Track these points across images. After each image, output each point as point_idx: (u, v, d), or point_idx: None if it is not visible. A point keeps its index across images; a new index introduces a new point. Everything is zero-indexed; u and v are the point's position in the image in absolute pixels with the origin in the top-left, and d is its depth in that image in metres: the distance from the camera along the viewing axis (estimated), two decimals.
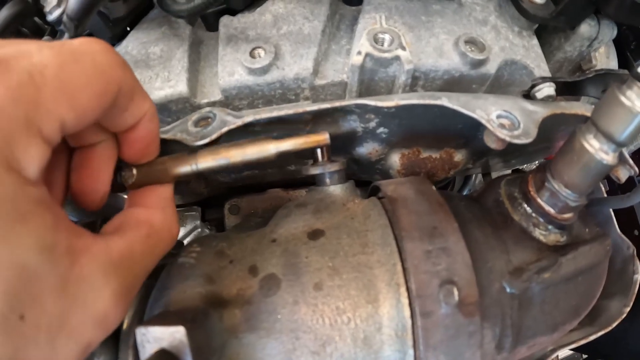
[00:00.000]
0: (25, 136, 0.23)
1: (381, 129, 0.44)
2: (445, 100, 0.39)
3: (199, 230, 0.58)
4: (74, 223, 0.27)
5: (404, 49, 0.42)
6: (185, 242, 0.60)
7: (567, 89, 0.48)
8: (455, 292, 0.34)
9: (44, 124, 0.24)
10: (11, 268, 0.22)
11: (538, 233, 0.41)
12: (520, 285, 0.38)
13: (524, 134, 0.38)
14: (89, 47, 0.27)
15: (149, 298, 0.38)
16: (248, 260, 0.38)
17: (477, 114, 0.38)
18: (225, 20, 0.45)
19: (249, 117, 0.38)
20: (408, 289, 0.35)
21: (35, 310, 0.23)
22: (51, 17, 0.47)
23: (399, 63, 0.42)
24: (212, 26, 0.48)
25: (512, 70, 0.48)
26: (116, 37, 0.48)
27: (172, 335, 0.30)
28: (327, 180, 0.43)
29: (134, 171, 0.38)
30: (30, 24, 0.52)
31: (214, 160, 0.37)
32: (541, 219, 0.41)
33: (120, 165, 0.39)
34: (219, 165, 0.37)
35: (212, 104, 0.45)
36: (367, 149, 0.46)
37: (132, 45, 0.48)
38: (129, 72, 0.30)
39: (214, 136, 0.38)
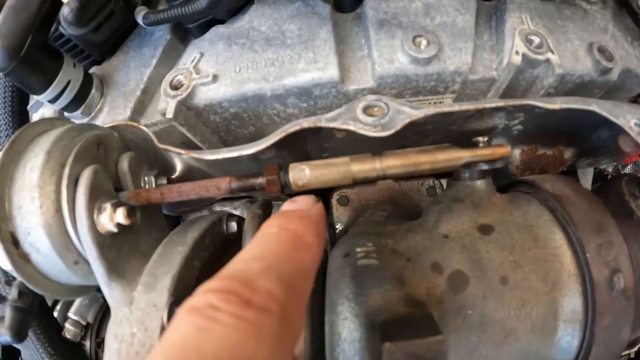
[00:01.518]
0: None
1: (518, 127, 0.51)
2: (596, 107, 0.47)
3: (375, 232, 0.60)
4: None
5: (552, 52, 0.49)
6: None
7: None
8: (622, 280, 0.44)
9: None
10: None
11: None
12: None
13: None
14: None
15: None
16: (426, 257, 0.43)
17: (620, 121, 0.48)
18: (371, 2, 0.48)
19: (429, 109, 0.43)
20: (582, 278, 0.44)
21: None
22: None
23: (546, 65, 0.49)
24: (345, 7, 0.50)
25: (625, 78, 0.56)
26: (236, 11, 0.48)
27: (429, 347, 0.31)
28: (467, 175, 0.50)
29: (307, 172, 0.40)
30: None
31: (403, 166, 0.40)
32: None
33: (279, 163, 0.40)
34: (405, 172, 0.41)
35: (361, 91, 0.47)
36: (494, 143, 0.54)
37: (259, 20, 0.48)
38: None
39: (399, 127, 0.41)
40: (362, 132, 0.40)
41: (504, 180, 0.58)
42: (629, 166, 0.93)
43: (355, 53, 0.48)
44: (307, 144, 0.47)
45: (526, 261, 0.43)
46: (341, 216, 0.55)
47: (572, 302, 0.42)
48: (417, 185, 0.57)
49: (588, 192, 0.47)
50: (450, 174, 0.48)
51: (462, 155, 0.41)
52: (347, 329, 0.38)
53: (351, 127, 0.41)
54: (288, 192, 0.41)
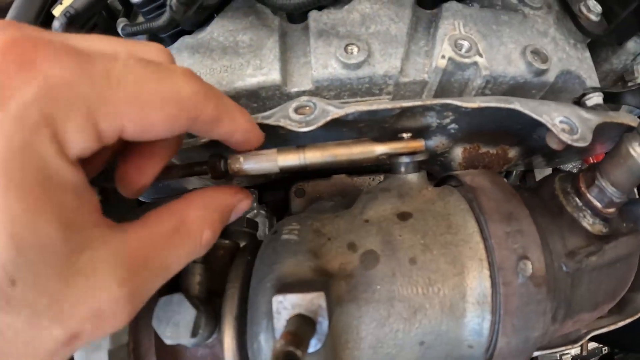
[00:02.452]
0: (81, 119, 0.24)
1: (452, 125, 0.52)
2: (518, 105, 0.48)
3: (255, 211, 0.64)
4: (99, 212, 0.27)
5: (481, 55, 0.50)
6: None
7: (611, 99, 0.59)
8: (529, 266, 0.44)
9: (102, 121, 0.25)
10: (18, 226, 0.21)
11: (586, 223, 0.51)
12: (573, 266, 0.49)
13: (582, 139, 0.48)
14: (174, 71, 0.29)
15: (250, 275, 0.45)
16: (345, 238, 0.46)
17: (544, 119, 0.48)
18: (314, 15, 0.52)
19: (350, 108, 0.46)
20: (490, 263, 0.44)
21: (28, 280, 0.22)
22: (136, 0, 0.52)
23: (475, 68, 0.51)
24: (295, 19, 0.55)
25: (566, 79, 0.57)
26: (202, 23, 0.54)
27: (311, 301, 0.35)
28: (403, 169, 0.52)
29: (241, 159, 0.45)
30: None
31: (322, 157, 0.44)
32: (589, 212, 0.51)
33: (221, 153, 0.45)
34: (325, 162, 0.44)
35: (302, 93, 0.51)
36: (434, 142, 0.55)
37: (218, 32, 0.53)
38: (215, 100, 0.31)
39: (320, 123, 0.45)
40: (289, 127, 0.44)
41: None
42: None
43: (300, 59, 0.52)
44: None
45: (436, 245, 0.44)
46: (297, 206, 0.58)
47: (480, 285, 0.43)
48: (368, 180, 0.59)
49: (506, 186, 0.47)
50: None
51: (376, 148, 0.44)
52: (261, 289, 0.42)
53: (280, 123, 0.45)
54: (228, 177, 0.45)
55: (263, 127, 0.45)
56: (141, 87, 0.27)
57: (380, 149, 0.44)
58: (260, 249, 0.47)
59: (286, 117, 0.46)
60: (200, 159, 0.44)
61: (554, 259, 0.48)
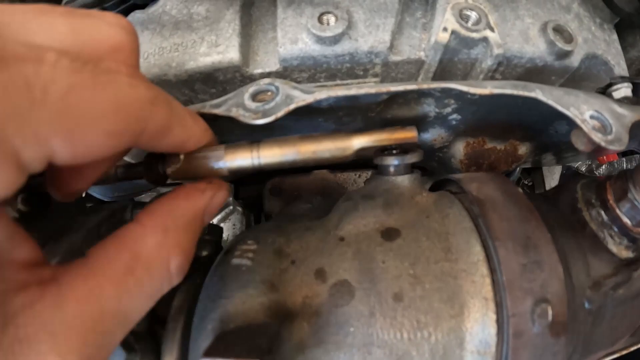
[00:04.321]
0: None
1: (454, 116, 0.34)
2: (540, 94, 0.30)
3: (231, 207, 0.49)
4: (27, 265, 0.19)
5: (492, 30, 0.32)
6: (216, 222, 0.51)
7: (636, 91, 0.40)
8: (550, 312, 0.27)
9: (25, 149, 0.17)
10: None
11: (612, 244, 0.34)
12: (597, 301, 0.32)
13: (617, 140, 0.30)
14: (117, 73, 0.20)
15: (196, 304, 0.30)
16: (313, 261, 0.30)
17: (572, 112, 0.30)
18: None
19: (321, 93, 0.28)
20: (498, 304, 0.28)
21: None
22: None
23: (485, 45, 0.32)
24: None
25: (590, 65, 0.39)
26: None
27: None
28: (392, 170, 0.34)
29: (181, 157, 0.29)
30: None
31: (281, 154, 0.28)
32: (616, 230, 0.34)
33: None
34: (285, 161, 0.28)
35: (267, 75, 0.34)
36: (432, 135, 0.37)
37: (172, 3, 0.36)
38: (164, 107, 0.22)
39: (280, 113, 0.28)
40: (241, 119, 0.27)
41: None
42: (603, 166, 0.68)
43: (267, 34, 0.34)
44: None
45: (430, 276, 0.28)
46: (273, 206, 0.42)
47: (483, 331, 0.27)
48: (354, 177, 0.42)
49: (523, 198, 0.30)
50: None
51: (353, 142, 0.27)
52: (202, 331, 0.27)
53: (231, 114, 0.28)
54: (163, 181, 0.29)
55: (217, 117, 0.28)
56: (73, 98, 0.18)
57: (358, 141, 0.27)
58: (209, 273, 0.31)
59: (240, 105, 0.29)
60: None
61: (576, 295, 0.31)
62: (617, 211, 0.33)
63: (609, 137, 0.30)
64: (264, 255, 0.30)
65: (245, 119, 0.28)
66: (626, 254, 0.33)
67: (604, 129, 0.30)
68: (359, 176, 0.43)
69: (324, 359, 0.27)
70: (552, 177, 0.53)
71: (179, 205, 0.24)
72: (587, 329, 0.32)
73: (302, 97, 0.28)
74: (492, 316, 0.27)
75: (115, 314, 0.20)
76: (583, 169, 0.65)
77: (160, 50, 0.35)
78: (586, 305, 0.31)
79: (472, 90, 0.29)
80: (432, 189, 0.37)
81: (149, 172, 0.30)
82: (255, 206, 0.47)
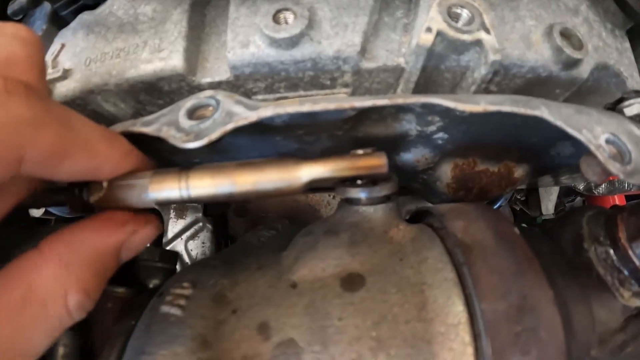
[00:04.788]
0: None
1: (440, 135, 0.28)
2: (546, 112, 0.23)
3: (200, 224, 0.43)
4: None
5: (487, 31, 0.25)
6: (184, 239, 0.45)
7: None
8: None
9: None
10: None
11: (622, 291, 0.27)
12: None
13: (637, 172, 0.22)
14: None
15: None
16: (258, 312, 0.23)
17: (584, 136, 0.22)
18: None
19: (267, 110, 0.22)
20: None
21: None
22: None
23: (478, 50, 0.25)
24: None
25: (600, 76, 0.31)
26: None
27: None
28: (363, 199, 0.28)
29: (104, 185, 0.23)
30: None
31: (214, 186, 0.21)
32: (627, 274, 0.26)
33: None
34: (219, 194, 0.21)
35: (217, 84, 0.28)
36: (414, 156, 0.30)
37: (119, 3, 0.30)
38: (52, 130, 0.18)
39: (213, 136, 0.21)
40: (171, 141, 0.21)
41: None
42: (603, 185, 0.59)
43: (221, 37, 0.28)
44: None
45: (397, 340, 0.21)
46: (237, 228, 0.35)
47: None
48: (327, 198, 0.36)
49: (519, 241, 0.23)
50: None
51: (302, 172, 0.20)
52: None
53: (161, 134, 0.22)
54: (88, 209, 0.23)
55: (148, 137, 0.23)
56: None
57: (309, 171, 0.21)
58: (140, 318, 0.25)
59: (173, 123, 0.23)
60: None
61: (577, 357, 0.23)
62: (630, 252, 0.25)
63: (629, 168, 0.22)
64: (199, 302, 0.24)
65: (175, 141, 0.22)
66: (636, 302, 0.26)
67: (621, 156, 0.23)
68: (333, 197, 0.36)
69: None
70: (549, 197, 0.45)
71: (85, 237, 0.21)
72: None
73: (244, 114, 0.22)
74: None
75: (9, 350, 0.18)
76: (581, 187, 0.56)
77: (102, 57, 0.29)
78: None
79: (461, 106, 0.22)
80: (412, 219, 0.31)
81: (70, 199, 0.24)
82: (225, 224, 0.41)
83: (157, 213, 0.40)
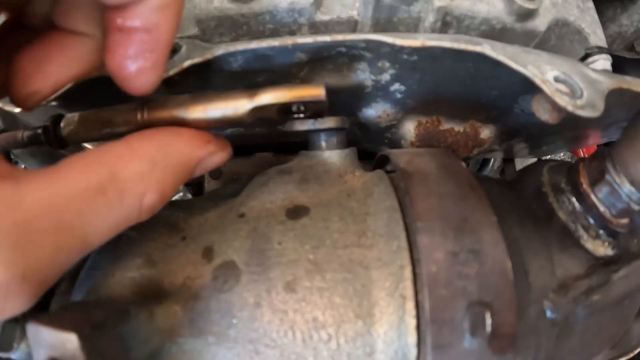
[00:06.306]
0: None
1: (396, 86, 0.27)
2: (488, 48, 0.21)
3: (181, 193, 0.43)
4: None
5: None
6: None
7: (618, 67, 0.30)
8: (488, 320, 0.18)
9: None
10: None
11: (586, 239, 0.24)
12: (564, 309, 0.22)
13: (589, 105, 0.21)
14: None
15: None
16: (205, 239, 0.23)
17: (529, 71, 0.21)
18: None
19: (219, 49, 0.22)
20: (418, 306, 0.19)
21: None
22: None
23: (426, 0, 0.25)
24: None
25: (562, 34, 0.30)
26: None
27: (63, 344, 0.15)
28: (323, 144, 0.27)
29: (76, 118, 0.23)
30: None
31: (169, 114, 0.21)
32: (592, 221, 0.24)
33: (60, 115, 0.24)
34: (173, 122, 0.21)
35: (186, 39, 0.28)
36: (376, 111, 0.29)
37: None
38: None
39: (171, 72, 0.22)
40: None
41: None
42: None
43: None
44: None
45: (334, 264, 0.20)
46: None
47: (399, 339, 0.19)
48: None
49: (464, 172, 0.22)
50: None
51: (246, 100, 0.20)
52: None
53: None
54: (62, 146, 0.24)
55: None
56: None
57: (252, 100, 0.20)
58: None
59: None
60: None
61: (533, 300, 0.21)
62: (592, 197, 0.23)
63: (578, 102, 0.21)
64: (152, 228, 0.23)
65: None
66: (603, 250, 0.23)
67: (573, 93, 0.21)
68: None
69: (204, 351, 0.20)
70: None
71: (177, 144, 0.20)
72: (551, 344, 0.22)
73: (201, 53, 0.22)
74: (411, 321, 0.19)
75: (74, 229, 0.16)
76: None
77: None
78: (548, 313, 0.21)
79: (399, 41, 0.21)
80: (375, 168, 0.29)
81: (46, 134, 0.24)
82: (202, 192, 0.41)
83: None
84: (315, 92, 0.21)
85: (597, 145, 0.43)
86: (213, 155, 0.21)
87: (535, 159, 0.38)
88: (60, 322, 0.16)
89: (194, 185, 0.41)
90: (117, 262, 0.21)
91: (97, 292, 0.20)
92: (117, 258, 0.21)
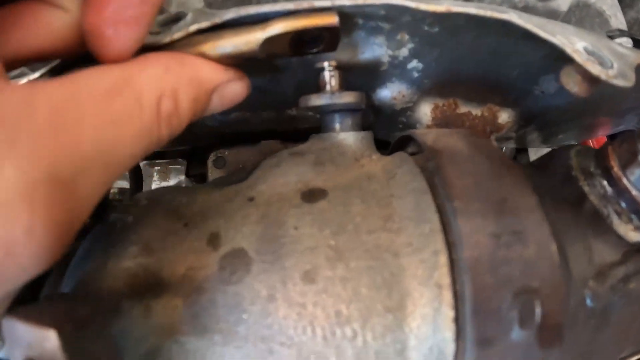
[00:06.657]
0: None
1: (414, 63, 0.25)
2: (515, 16, 0.20)
3: (183, 186, 0.40)
4: None
5: None
6: None
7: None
8: (538, 308, 0.16)
9: None
10: None
11: (618, 224, 0.22)
12: (603, 298, 0.20)
13: (621, 75, 0.19)
14: None
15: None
16: (210, 225, 0.20)
17: (559, 40, 0.19)
18: None
19: (229, 12, 0.20)
20: (457, 296, 0.17)
21: None
22: None
23: None
24: None
25: (582, 16, 0.29)
26: None
27: (40, 342, 0.13)
28: (337, 125, 0.24)
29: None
30: None
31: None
32: (624, 206, 0.22)
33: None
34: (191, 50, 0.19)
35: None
36: (391, 92, 0.27)
37: None
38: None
39: (175, 35, 0.19)
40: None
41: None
42: None
43: None
44: None
45: (358, 251, 0.17)
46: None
47: (434, 334, 0.16)
48: None
49: (496, 150, 0.19)
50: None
51: (259, 32, 0.17)
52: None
53: None
54: None
55: None
56: None
57: (263, 31, 0.18)
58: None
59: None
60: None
61: (574, 289, 0.19)
62: (624, 181, 0.21)
63: (610, 72, 0.19)
64: (151, 212, 0.20)
65: (147, 41, 0.20)
66: (636, 236, 0.21)
67: (602, 64, 0.20)
68: None
69: (209, 352, 0.17)
70: None
71: (193, 60, 0.18)
72: (589, 337, 0.20)
73: (209, 18, 0.20)
74: (449, 313, 0.16)
75: (95, 144, 0.14)
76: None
77: None
78: (588, 302, 0.19)
79: (424, 6, 0.19)
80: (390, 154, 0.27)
81: None
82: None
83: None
84: (328, 19, 0.19)
85: (607, 137, 0.42)
86: (232, 82, 0.19)
87: (549, 149, 0.37)
88: (39, 317, 0.13)
89: (197, 176, 0.38)
90: (110, 249, 0.18)
91: (87, 284, 0.17)
92: (110, 245, 0.18)
